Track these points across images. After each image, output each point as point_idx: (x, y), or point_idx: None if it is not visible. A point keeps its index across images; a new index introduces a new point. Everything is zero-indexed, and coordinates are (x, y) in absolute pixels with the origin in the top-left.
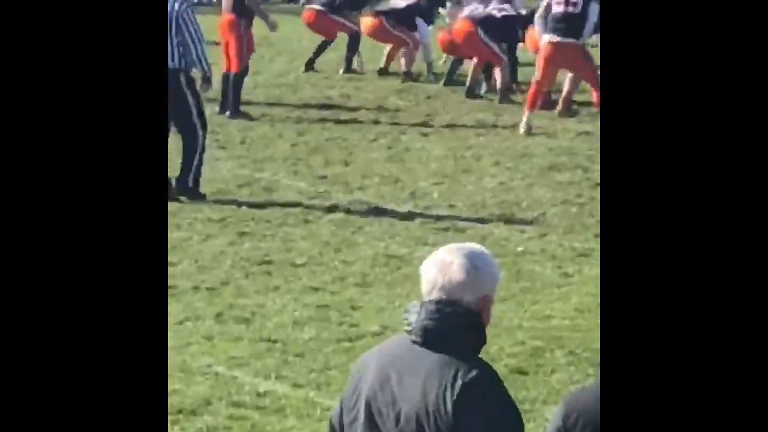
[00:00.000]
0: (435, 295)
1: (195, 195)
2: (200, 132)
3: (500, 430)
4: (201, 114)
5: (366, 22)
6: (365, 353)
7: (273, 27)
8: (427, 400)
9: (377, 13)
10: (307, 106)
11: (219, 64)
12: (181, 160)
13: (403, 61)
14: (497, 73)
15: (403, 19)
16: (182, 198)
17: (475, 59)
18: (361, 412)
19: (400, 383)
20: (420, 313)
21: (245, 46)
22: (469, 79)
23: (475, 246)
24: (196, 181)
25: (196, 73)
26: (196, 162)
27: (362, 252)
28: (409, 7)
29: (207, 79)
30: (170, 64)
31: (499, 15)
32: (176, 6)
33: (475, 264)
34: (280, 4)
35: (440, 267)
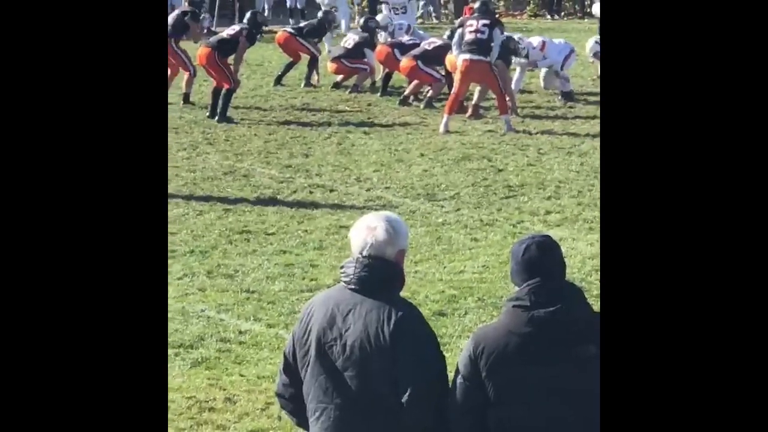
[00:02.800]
0: (365, 252)
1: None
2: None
3: (426, 352)
4: None
5: (330, 66)
6: (311, 299)
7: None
8: (368, 332)
9: (334, 59)
10: (275, 112)
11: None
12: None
13: (355, 77)
14: (432, 89)
15: (355, 54)
16: (179, 187)
17: (415, 81)
18: (312, 345)
19: (345, 321)
20: (355, 267)
21: (228, 70)
22: (407, 91)
23: (390, 213)
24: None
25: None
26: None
27: (319, 223)
28: (357, 44)
29: None
30: None
31: (430, 48)
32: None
33: (393, 226)
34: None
35: (368, 230)
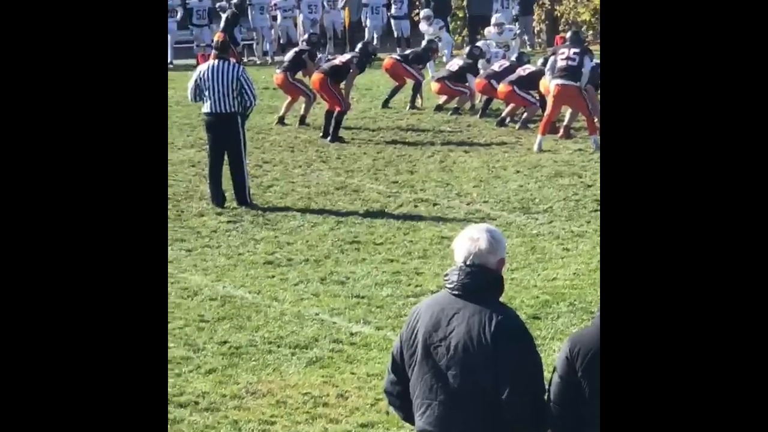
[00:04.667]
0: (469, 261)
1: (252, 206)
2: (245, 162)
3: (524, 352)
4: (246, 147)
5: (433, 86)
6: (418, 304)
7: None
8: (471, 334)
9: (439, 79)
10: (383, 132)
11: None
12: (236, 185)
13: (456, 100)
14: (527, 111)
15: (458, 77)
16: (295, 201)
17: (511, 104)
18: (418, 346)
19: (449, 324)
20: (459, 274)
21: (339, 94)
22: (504, 113)
23: (490, 226)
24: (249, 196)
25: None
26: (247, 184)
27: (423, 234)
28: (461, 68)
29: (249, 113)
30: (232, 109)
31: (525, 73)
32: (238, 69)
33: (494, 237)
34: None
35: (471, 241)
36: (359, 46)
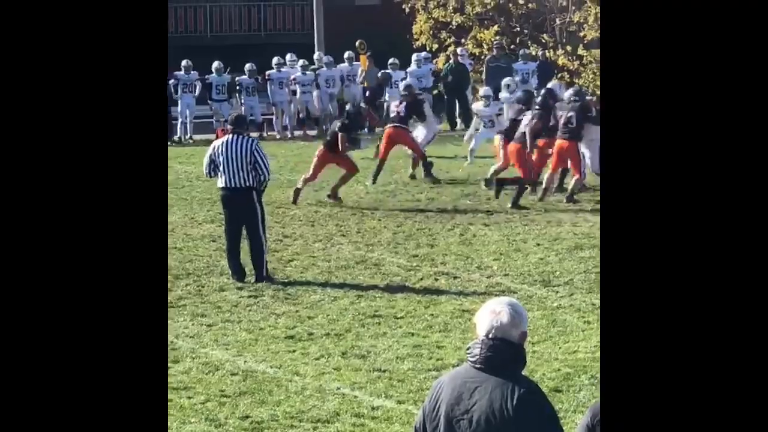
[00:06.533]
0: (491, 334)
1: (271, 281)
2: (263, 236)
3: (547, 425)
4: (264, 221)
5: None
6: (440, 377)
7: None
8: (493, 407)
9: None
10: (403, 205)
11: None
12: (254, 260)
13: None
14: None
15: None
16: (316, 275)
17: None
18: (441, 419)
19: (471, 398)
20: (481, 348)
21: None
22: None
23: (511, 299)
24: (267, 271)
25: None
26: (265, 259)
27: (444, 308)
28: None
29: (264, 186)
30: (246, 183)
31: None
32: (252, 143)
33: (516, 310)
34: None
35: (493, 314)
36: (338, 125)
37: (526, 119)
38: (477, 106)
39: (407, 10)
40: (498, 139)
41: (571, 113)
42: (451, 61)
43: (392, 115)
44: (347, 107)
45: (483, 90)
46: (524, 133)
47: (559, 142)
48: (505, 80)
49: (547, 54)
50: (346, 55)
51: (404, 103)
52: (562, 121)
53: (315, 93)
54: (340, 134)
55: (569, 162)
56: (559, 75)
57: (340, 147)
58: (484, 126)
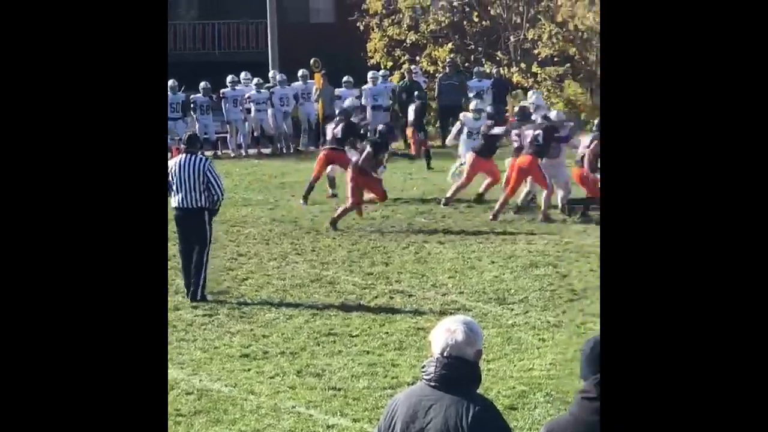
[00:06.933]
0: (446, 352)
1: (205, 300)
2: (207, 257)
3: None
4: (210, 242)
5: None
6: (396, 396)
7: None
8: (448, 425)
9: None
10: (358, 225)
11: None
12: (192, 278)
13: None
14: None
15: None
16: (271, 294)
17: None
18: None
19: (426, 416)
20: (436, 366)
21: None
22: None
23: (467, 317)
24: (204, 290)
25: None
26: (204, 277)
27: (399, 326)
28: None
29: (218, 206)
30: (199, 203)
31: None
32: (205, 163)
33: (471, 329)
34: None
35: (448, 332)
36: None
37: (586, 141)
38: (466, 116)
39: (362, 27)
40: (470, 157)
41: (539, 131)
42: (405, 79)
43: (329, 137)
44: (379, 127)
45: (473, 104)
46: (584, 156)
47: (520, 159)
48: (472, 104)
49: (502, 71)
50: (300, 73)
51: (340, 126)
52: (528, 140)
53: (270, 111)
54: (367, 152)
55: (529, 179)
56: (514, 93)
57: (368, 168)
58: (468, 136)
